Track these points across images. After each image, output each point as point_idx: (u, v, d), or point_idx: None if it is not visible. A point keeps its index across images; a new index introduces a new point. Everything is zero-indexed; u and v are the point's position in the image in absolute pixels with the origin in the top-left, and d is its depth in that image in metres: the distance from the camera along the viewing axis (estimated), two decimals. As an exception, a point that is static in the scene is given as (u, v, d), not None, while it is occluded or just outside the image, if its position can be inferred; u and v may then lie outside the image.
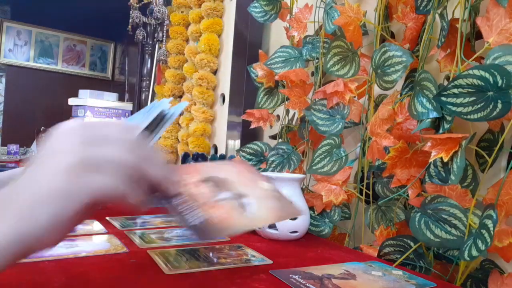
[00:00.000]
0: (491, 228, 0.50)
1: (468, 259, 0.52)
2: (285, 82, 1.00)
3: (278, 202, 0.45)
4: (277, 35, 1.30)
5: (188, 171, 0.44)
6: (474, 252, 0.51)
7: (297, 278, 0.50)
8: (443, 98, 0.56)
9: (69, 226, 0.30)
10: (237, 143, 1.40)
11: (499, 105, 0.52)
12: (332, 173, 0.77)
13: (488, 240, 0.50)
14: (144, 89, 2.09)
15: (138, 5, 1.81)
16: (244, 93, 1.38)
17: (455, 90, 0.55)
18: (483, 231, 0.51)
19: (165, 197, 0.37)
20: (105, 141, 0.31)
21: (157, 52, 1.94)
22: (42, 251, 0.30)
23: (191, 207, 0.37)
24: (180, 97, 1.81)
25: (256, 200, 0.43)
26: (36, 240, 0.28)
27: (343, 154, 0.77)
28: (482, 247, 0.50)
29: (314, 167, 0.79)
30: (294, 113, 1.08)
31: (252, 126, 1.01)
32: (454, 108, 0.56)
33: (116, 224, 0.77)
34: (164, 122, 0.50)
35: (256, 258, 0.59)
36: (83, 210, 0.29)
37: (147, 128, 0.49)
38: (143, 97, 2.09)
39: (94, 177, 0.30)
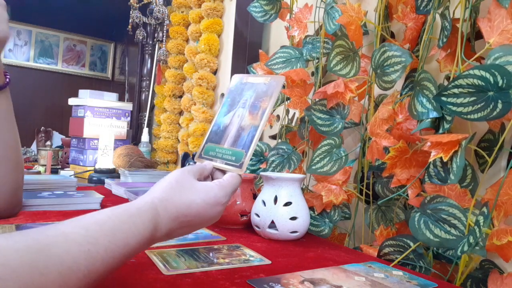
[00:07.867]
0: (481, 223, 0.51)
1: (459, 254, 0.53)
2: (285, 82, 1.00)
3: None
4: (277, 35, 1.30)
5: None
6: (465, 248, 0.52)
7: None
8: (444, 98, 0.56)
9: None
10: (237, 143, 1.39)
11: (499, 105, 0.52)
12: (332, 173, 0.77)
13: (478, 234, 0.51)
14: (144, 89, 2.09)
15: (138, 5, 1.81)
16: (244, 93, 1.38)
17: (456, 90, 0.55)
18: (476, 228, 0.52)
19: None
20: None
21: (157, 52, 1.94)
22: None
23: None
24: (180, 97, 1.81)
25: None
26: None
27: (343, 154, 0.77)
28: (472, 241, 0.51)
29: (313, 167, 0.78)
30: (294, 113, 1.08)
31: (252, 126, 1.01)
32: (454, 108, 0.56)
33: (115, 224, 0.76)
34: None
35: (254, 258, 0.59)
36: None
37: None
38: (143, 97, 2.10)
39: None
